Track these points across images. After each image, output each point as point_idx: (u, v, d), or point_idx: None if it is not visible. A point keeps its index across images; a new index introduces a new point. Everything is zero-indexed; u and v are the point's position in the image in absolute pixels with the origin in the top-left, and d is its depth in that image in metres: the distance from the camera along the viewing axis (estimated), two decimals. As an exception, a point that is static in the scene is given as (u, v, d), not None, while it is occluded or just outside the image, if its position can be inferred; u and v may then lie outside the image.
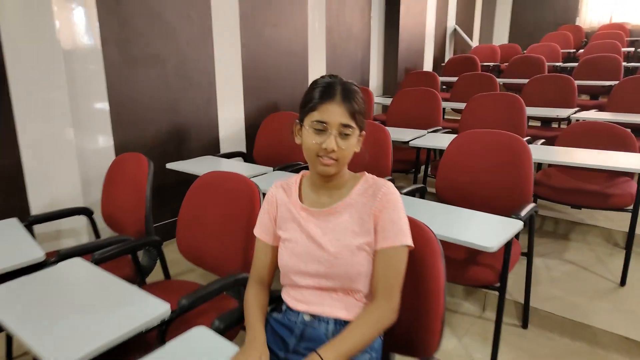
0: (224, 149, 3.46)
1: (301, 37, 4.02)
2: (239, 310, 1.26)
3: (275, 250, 1.27)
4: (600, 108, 3.90)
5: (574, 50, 6.00)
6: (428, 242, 1.21)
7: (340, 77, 1.17)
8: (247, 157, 3.14)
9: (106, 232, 2.36)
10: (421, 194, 2.18)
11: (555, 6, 7.08)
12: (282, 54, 3.87)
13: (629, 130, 2.57)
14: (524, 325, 2.20)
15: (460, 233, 1.56)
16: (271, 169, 2.51)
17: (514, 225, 1.65)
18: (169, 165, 2.67)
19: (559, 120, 3.50)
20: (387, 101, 4.01)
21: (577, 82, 3.62)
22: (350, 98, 1.13)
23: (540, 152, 2.44)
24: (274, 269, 1.29)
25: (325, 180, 1.19)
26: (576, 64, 4.90)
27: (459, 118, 4.32)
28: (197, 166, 2.62)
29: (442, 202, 1.97)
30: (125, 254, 1.79)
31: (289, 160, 2.73)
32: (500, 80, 3.98)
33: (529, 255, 2.08)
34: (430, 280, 1.20)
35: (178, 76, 3.10)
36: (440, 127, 3.36)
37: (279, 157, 2.85)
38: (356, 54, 4.75)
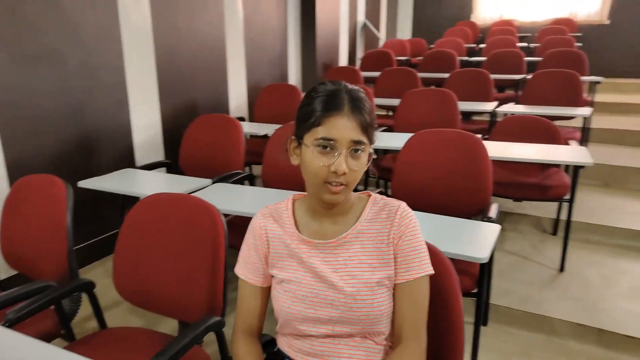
0: (141, 159, 3.05)
1: (218, 29, 3.70)
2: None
3: (266, 292, 1.05)
4: (510, 100, 4.14)
5: (475, 44, 6.38)
6: (441, 264, 1.07)
7: (344, 83, 0.96)
8: (172, 167, 2.78)
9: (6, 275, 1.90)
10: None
11: (451, 3, 7.47)
12: (199, 49, 3.52)
13: (554, 122, 2.71)
14: (484, 322, 2.21)
15: (449, 244, 1.46)
16: (209, 181, 2.22)
17: (493, 230, 1.60)
18: (82, 184, 2.24)
19: (483, 113, 3.63)
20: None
21: (491, 76, 3.79)
22: (360, 108, 0.92)
23: (491, 148, 2.46)
24: (265, 315, 1.07)
25: (329, 207, 0.99)
26: (481, 58, 5.19)
27: (385, 114, 4.38)
28: (117, 183, 2.23)
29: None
30: (48, 306, 1.42)
31: (225, 170, 2.45)
32: (419, 75, 4.04)
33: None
34: (450, 307, 1.06)
35: (82, 76, 2.64)
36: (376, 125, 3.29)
37: (213, 166, 2.55)
38: (274, 48, 4.52)
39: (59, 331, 1.53)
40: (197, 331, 1.20)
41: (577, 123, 3.81)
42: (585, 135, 3.72)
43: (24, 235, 1.68)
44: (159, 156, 3.22)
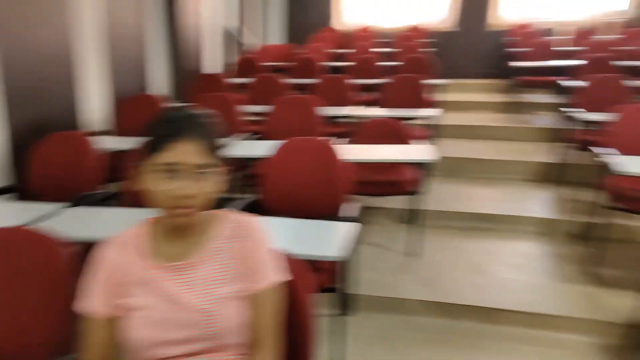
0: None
1: (65, 38, 3.44)
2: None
3: (115, 324, 1.03)
4: (375, 103, 4.51)
5: (337, 49, 6.77)
6: (297, 269, 1.17)
7: (188, 109, 1.01)
8: (23, 191, 2.54)
9: None
10: (254, 208, 2.16)
11: (318, 9, 7.83)
12: (48, 60, 3.26)
13: (403, 123, 3.05)
14: (350, 312, 2.43)
15: (308, 247, 1.59)
16: (61, 205, 2.06)
17: (351, 228, 1.75)
18: None
19: (347, 117, 3.92)
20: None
21: (353, 81, 4.11)
22: (202, 132, 0.97)
23: (348, 151, 2.67)
24: (114, 349, 1.05)
25: (180, 229, 1.03)
26: (345, 63, 5.55)
27: (256, 119, 4.47)
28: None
29: (272, 215, 1.97)
30: None
31: (83, 190, 2.33)
32: (289, 81, 4.22)
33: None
34: (303, 305, 1.18)
35: None
36: (246, 133, 3.38)
37: (67, 187, 2.39)
38: (134, 57, 4.33)
39: None
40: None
41: (428, 121, 4.30)
42: (436, 132, 4.22)
43: None
44: (8, 180, 2.92)
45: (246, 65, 5.32)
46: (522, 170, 3.94)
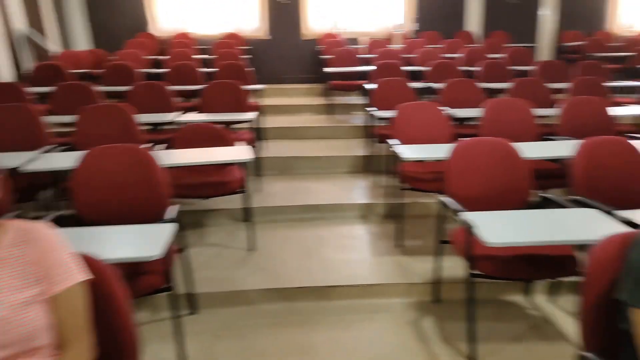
0: None
1: None
2: None
3: None
4: (196, 109, 4.49)
5: (156, 56, 6.54)
6: (100, 272, 1.16)
7: None
8: None
9: None
10: (66, 221, 1.98)
11: (128, 13, 7.41)
12: None
13: (226, 127, 3.13)
14: (194, 311, 2.42)
15: (123, 250, 1.56)
16: None
17: (169, 229, 1.77)
18: None
19: (167, 123, 3.82)
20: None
21: (173, 87, 4.03)
22: None
23: (165, 157, 2.64)
24: None
25: None
26: (163, 70, 5.40)
27: (67, 131, 4.03)
28: None
29: (88, 225, 1.86)
30: None
31: None
32: (100, 89, 3.93)
33: (182, 250, 2.28)
34: (115, 307, 1.17)
35: None
36: (53, 145, 3.04)
37: None
38: None
39: None
40: None
41: (250, 125, 4.47)
42: (259, 134, 4.40)
43: None
44: None
45: (47, 72, 4.75)
46: (342, 164, 4.38)
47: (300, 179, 4.15)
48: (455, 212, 2.07)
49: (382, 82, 4.26)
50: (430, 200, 3.52)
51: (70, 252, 1.08)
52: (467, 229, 1.86)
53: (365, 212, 3.55)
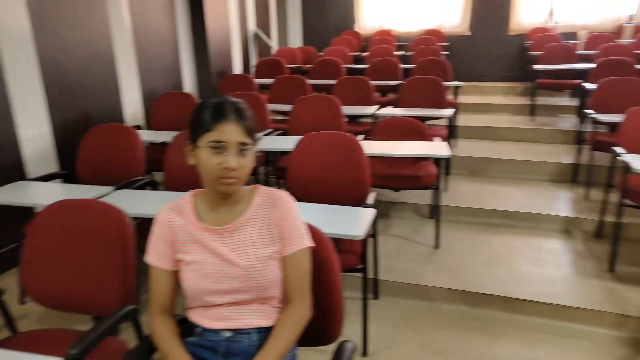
0: (34, 171, 2.93)
1: (105, 38, 3.65)
2: (146, 345, 1.16)
3: (174, 275, 1.22)
4: (391, 103, 4.62)
5: (359, 52, 6.91)
6: (320, 241, 1.30)
7: (227, 97, 1.19)
8: (69, 177, 2.73)
9: None
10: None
11: (337, 13, 7.99)
12: (87, 58, 3.45)
13: (422, 122, 3.15)
14: (376, 296, 2.53)
15: (332, 227, 1.71)
16: (111, 188, 2.26)
17: (369, 213, 1.88)
18: (-33, 200, 2.15)
19: (367, 116, 4.03)
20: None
21: (373, 82, 4.22)
22: (242, 116, 1.15)
23: (368, 147, 2.79)
24: (175, 295, 1.24)
25: (224, 198, 1.20)
26: (364, 65, 5.68)
27: (281, 118, 4.61)
28: (10, 195, 2.18)
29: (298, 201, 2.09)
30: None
31: (126, 178, 2.49)
32: (310, 82, 4.35)
33: (374, 236, 2.39)
34: (330, 275, 1.30)
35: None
36: (271, 129, 3.50)
37: (112, 174, 2.57)
38: (166, 57, 4.53)
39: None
40: (111, 320, 1.31)
41: (446, 122, 4.39)
42: (452, 132, 4.29)
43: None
44: (53, 167, 3.11)
45: (268, 66, 5.46)
46: (543, 171, 4.00)
47: (492, 182, 3.93)
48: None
49: (606, 82, 3.71)
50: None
51: (302, 220, 1.24)
52: None
53: (568, 227, 3.18)
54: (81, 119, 3.38)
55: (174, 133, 2.86)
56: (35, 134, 2.99)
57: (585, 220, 3.15)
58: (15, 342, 1.43)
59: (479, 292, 2.44)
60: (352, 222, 1.81)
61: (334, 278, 1.29)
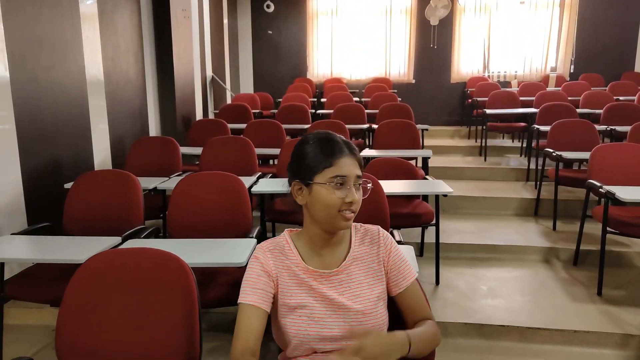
0: (6, 223, 2.64)
1: (80, 82, 3.46)
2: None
3: (266, 317, 1.13)
4: (361, 146, 4.75)
5: (315, 99, 7.09)
6: None
7: (329, 132, 1.17)
8: (54, 230, 2.47)
9: None
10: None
11: (288, 61, 8.21)
12: (61, 103, 3.23)
13: (411, 162, 3.27)
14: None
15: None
16: (118, 239, 2.07)
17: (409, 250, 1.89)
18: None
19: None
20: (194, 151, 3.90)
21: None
22: (355, 149, 1.15)
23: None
24: (261, 336, 1.13)
25: (329, 238, 1.16)
26: (328, 110, 5.82)
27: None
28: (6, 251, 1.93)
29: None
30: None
31: (125, 227, 2.28)
32: (285, 126, 4.39)
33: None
34: None
35: None
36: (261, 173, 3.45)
37: (108, 224, 2.36)
38: (134, 102, 4.36)
39: None
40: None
41: (415, 163, 4.58)
42: (426, 172, 4.47)
43: None
44: (21, 220, 2.80)
45: (234, 111, 5.43)
46: (508, 206, 4.26)
47: (466, 219, 4.11)
48: None
49: (559, 124, 4.11)
50: (626, 250, 3.25)
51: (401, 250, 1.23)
52: None
53: (547, 257, 3.38)
54: (50, 166, 3.11)
55: (159, 179, 2.80)
56: (6, 181, 2.70)
57: (562, 250, 3.38)
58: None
59: (493, 324, 2.50)
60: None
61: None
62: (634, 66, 7.40)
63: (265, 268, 1.13)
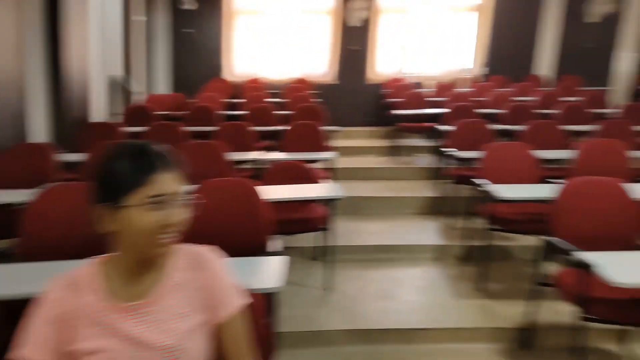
0: None
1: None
2: None
3: None
4: (269, 148, 4.65)
5: (231, 99, 6.91)
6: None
7: (142, 142, 1.01)
8: None
9: None
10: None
11: (206, 61, 7.95)
12: None
13: (310, 165, 3.23)
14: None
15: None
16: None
17: (280, 261, 1.83)
18: None
19: (251, 162, 4.00)
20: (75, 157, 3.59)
21: (252, 128, 4.25)
22: (174, 162, 0.99)
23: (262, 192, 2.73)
24: None
25: (150, 264, 1.01)
26: (241, 112, 5.69)
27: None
28: None
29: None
30: None
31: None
32: (188, 129, 4.21)
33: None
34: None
35: None
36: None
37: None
38: (8, 104, 3.93)
39: None
40: None
41: (324, 164, 4.56)
42: (334, 174, 4.47)
43: None
44: None
45: (137, 113, 5.15)
46: (410, 205, 4.34)
47: (367, 219, 4.13)
48: (566, 252, 2.01)
49: (462, 124, 4.25)
50: (512, 243, 3.41)
51: (231, 276, 1.09)
52: (583, 270, 1.79)
53: (439, 255, 3.48)
54: None
55: (27, 191, 2.53)
56: None
57: (454, 247, 3.49)
58: None
59: (375, 329, 2.52)
60: (257, 273, 1.74)
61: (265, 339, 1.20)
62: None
63: (56, 310, 0.97)
